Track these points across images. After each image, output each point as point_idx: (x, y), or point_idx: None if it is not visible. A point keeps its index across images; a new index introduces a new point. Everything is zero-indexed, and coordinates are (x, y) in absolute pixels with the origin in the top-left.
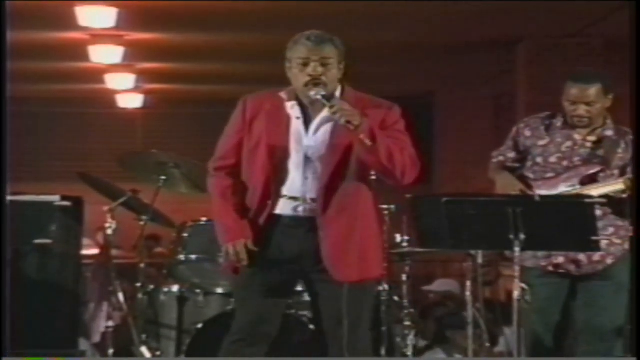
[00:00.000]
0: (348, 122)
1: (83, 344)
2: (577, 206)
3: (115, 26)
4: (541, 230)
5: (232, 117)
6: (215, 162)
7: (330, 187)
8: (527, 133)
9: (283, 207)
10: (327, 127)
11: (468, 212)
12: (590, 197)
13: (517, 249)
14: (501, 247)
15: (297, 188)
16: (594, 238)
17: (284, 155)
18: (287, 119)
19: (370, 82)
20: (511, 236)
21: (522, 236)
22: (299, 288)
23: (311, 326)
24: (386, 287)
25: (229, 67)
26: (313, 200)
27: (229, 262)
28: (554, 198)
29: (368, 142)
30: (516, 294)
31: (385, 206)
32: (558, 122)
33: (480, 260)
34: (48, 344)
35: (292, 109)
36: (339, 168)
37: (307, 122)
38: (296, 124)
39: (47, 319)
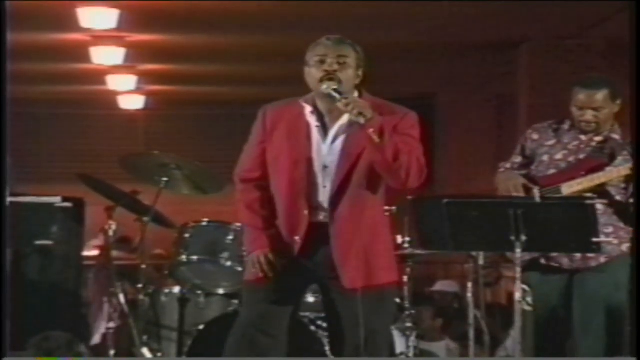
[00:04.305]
0: (360, 114)
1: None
2: (579, 207)
3: (116, 27)
4: (542, 232)
5: (253, 128)
6: (241, 174)
7: (338, 195)
8: (535, 136)
9: (309, 216)
10: (344, 136)
11: (469, 214)
12: (592, 198)
13: (518, 251)
14: (502, 249)
15: (317, 197)
16: (595, 239)
17: (306, 164)
18: (307, 127)
19: (372, 83)
20: (512, 237)
21: (524, 237)
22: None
23: (312, 327)
24: None
25: (230, 69)
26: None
27: (251, 272)
28: (555, 199)
29: (376, 138)
30: (517, 295)
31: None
32: (566, 125)
33: (481, 261)
34: (48, 344)
35: (311, 117)
36: (348, 176)
37: (325, 130)
38: (316, 132)
39: (48, 320)
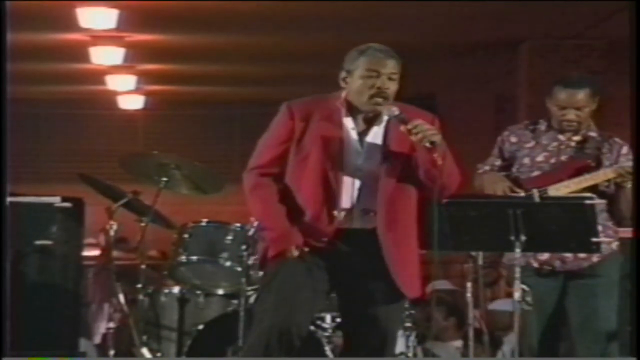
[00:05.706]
0: (430, 142)
1: (84, 345)
2: (578, 207)
3: (116, 27)
4: (542, 232)
5: (275, 124)
6: (259, 169)
7: (391, 199)
8: (513, 139)
9: (339, 219)
10: (381, 138)
11: (469, 214)
12: (591, 198)
13: (517, 250)
14: (502, 249)
15: (351, 200)
16: (595, 240)
17: (339, 166)
18: (340, 128)
19: None
20: (512, 237)
21: (523, 237)
22: None
23: (312, 327)
24: None
25: (229, 69)
26: (368, 211)
27: (269, 252)
28: (554, 199)
29: (440, 161)
30: (517, 295)
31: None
32: (542, 126)
33: (481, 261)
34: (48, 345)
35: (347, 120)
36: (399, 179)
37: (359, 133)
38: (351, 134)
39: (48, 320)
